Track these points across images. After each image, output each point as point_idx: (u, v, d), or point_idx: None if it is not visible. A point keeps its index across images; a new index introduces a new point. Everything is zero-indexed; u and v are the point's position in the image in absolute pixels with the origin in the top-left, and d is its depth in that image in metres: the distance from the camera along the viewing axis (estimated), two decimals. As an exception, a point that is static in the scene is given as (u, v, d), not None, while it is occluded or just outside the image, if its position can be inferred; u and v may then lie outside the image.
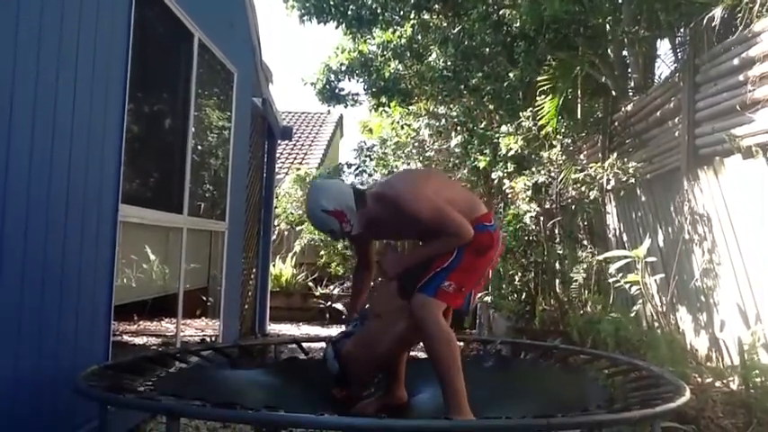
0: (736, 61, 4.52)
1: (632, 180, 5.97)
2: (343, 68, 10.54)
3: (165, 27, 4.21)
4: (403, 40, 9.30)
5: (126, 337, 4.09)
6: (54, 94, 2.85)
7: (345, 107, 11.37)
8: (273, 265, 9.57)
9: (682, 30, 6.24)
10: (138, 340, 4.42)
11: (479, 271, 2.80)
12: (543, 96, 6.56)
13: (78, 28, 3.01)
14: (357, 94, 11.14)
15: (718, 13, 4.57)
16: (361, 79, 10.32)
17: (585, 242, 7.05)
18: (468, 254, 2.69)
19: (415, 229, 2.83)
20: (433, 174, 3.00)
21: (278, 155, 9.53)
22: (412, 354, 3.92)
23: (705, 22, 4.70)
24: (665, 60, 7.51)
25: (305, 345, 3.91)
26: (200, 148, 5.01)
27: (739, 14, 4.52)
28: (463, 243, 2.68)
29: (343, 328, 3.15)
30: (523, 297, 7.12)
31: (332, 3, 8.67)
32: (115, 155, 3.40)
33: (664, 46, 8.07)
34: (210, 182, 5.35)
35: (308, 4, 8.73)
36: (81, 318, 3.13)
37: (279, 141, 8.58)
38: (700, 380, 4.13)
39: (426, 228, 2.73)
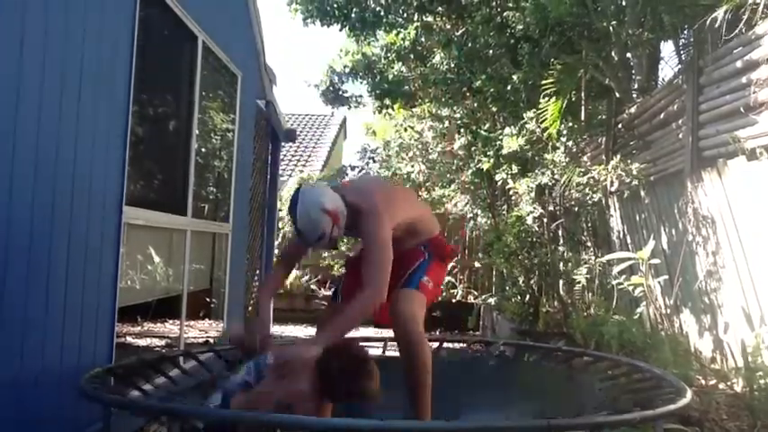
0: (739, 63, 4.51)
1: (636, 182, 5.96)
2: (347, 70, 10.57)
3: (170, 30, 4.22)
4: (406, 43, 9.30)
5: (130, 339, 4.10)
6: (59, 96, 2.86)
7: (349, 109, 11.44)
8: (277, 267, 9.57)
9: (685, 32, 6.23)
10: (142, 342, 4.43)
11: (441, 278, 2.95)
12: (547, 99, 6.56)
13: (84, 32, 3.03)
14: (361, 96, 11.17)
15: (721, 14, 4.55)
16: (365, 81, 10.34)
17: (589, 244, 7.04)
18: (435, 258, 2.83)
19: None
20: (407, 193, 3.06)
21: (281, 157, 9.54)
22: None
23: (709, 23, 4.69)
24: (669, 62, 7.52)
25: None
26: (204, 150, 5.02)
27: (744, 16, 4.50)
28: (369, 302, 2.44)
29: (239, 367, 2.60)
30: (527, 299, 7.13)
31: (335, 5, 8.68)
32: (119, 157, 3.41)
33: (667, 48, 8.08)
34: (214, 184, 5.36)
35: (311, 7, 8.74)
36: (85, 320, 3.14)
37: (282, 144, 8.59)
38: (704, 382, 4.12)
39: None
